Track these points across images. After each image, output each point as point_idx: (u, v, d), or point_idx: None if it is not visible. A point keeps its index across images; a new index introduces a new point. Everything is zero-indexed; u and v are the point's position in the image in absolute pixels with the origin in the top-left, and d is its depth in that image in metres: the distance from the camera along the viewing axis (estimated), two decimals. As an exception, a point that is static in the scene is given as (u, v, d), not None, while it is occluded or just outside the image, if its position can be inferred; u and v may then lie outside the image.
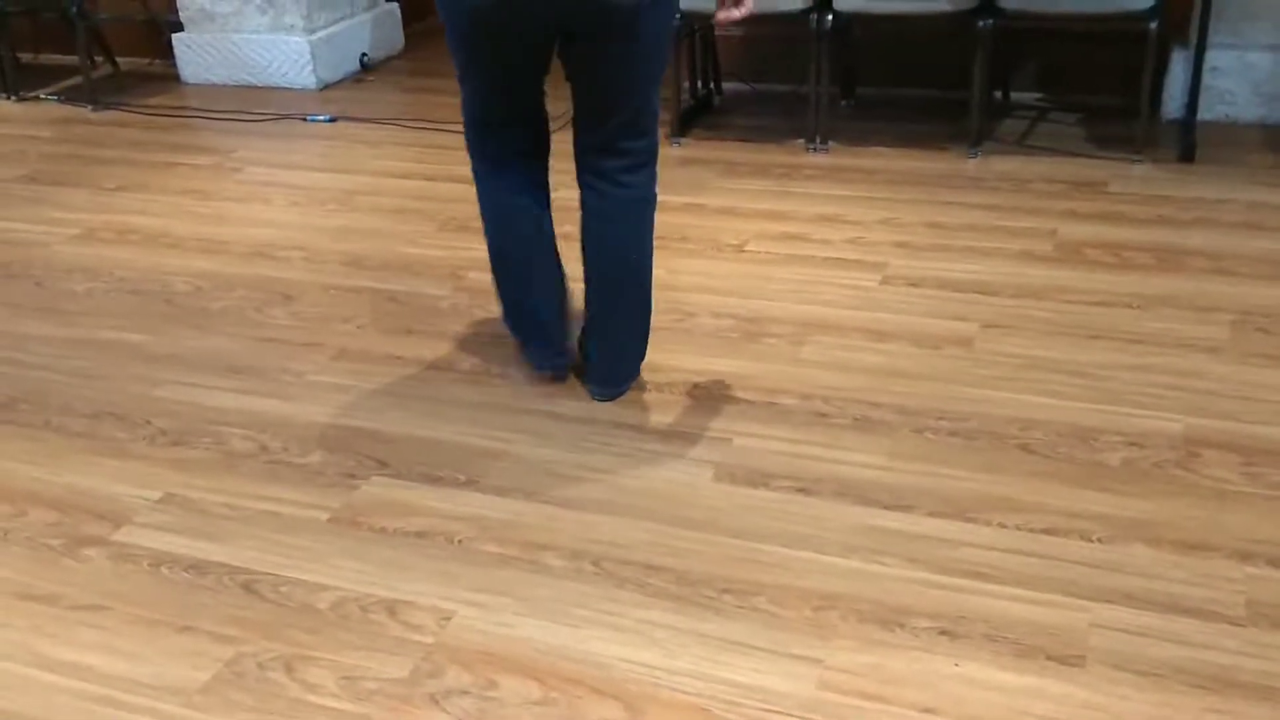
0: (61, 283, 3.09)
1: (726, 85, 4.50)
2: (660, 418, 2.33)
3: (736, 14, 2.12)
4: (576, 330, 2.48)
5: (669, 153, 3.86)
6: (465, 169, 3.83)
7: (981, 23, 3.56)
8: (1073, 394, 2.35)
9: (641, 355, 2.43)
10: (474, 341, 2.67)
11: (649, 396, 2.41)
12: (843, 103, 4.30)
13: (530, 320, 2.42)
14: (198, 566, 1.96)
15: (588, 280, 2.33)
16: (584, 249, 2.32)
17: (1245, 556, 1.88)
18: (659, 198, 2.32)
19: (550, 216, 2.37)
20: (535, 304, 2.39)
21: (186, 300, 2.95)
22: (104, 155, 4.11)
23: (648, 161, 2.25)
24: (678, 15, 2.18)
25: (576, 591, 1.87)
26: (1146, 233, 3.09)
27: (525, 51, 2.13)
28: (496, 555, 1.96)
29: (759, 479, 2.13)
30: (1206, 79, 3.82)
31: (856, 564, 1.90)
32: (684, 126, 4.05)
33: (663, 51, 2.16)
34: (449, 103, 4.54)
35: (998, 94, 4.22)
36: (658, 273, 2.94)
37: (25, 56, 5.29)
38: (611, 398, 2.40)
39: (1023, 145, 3.80)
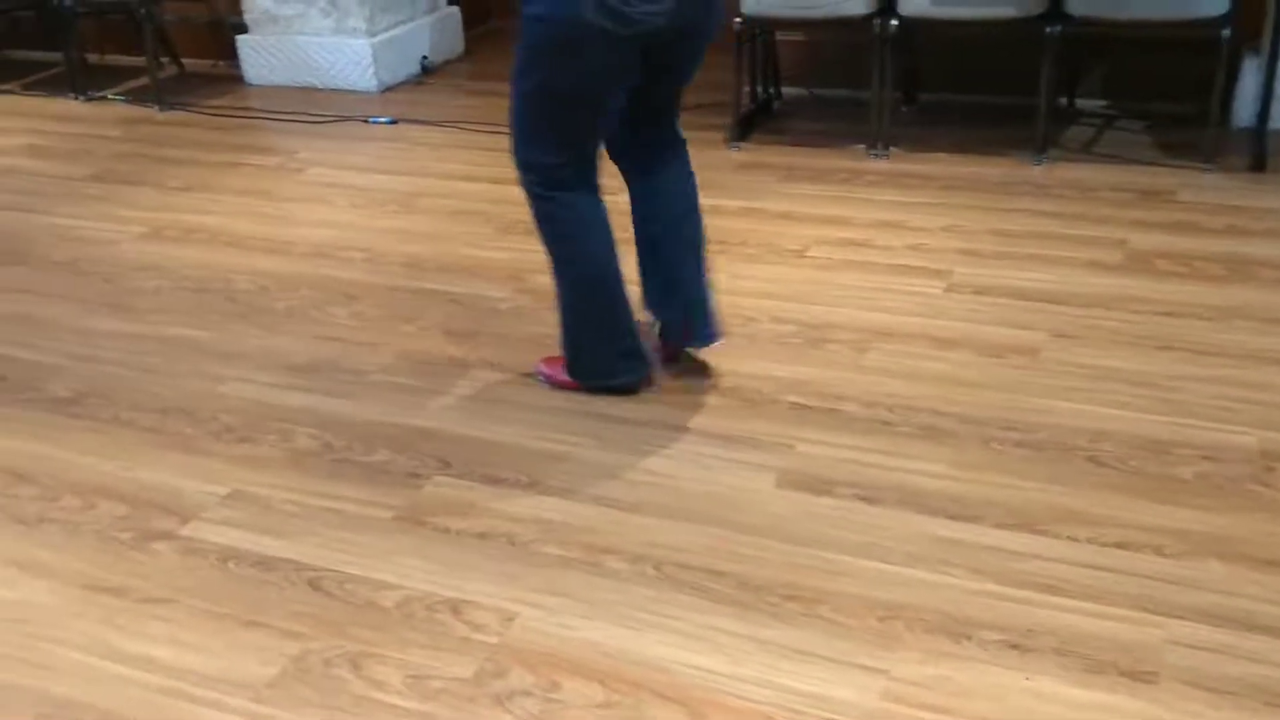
0: (129, 280, 3.14)
1: (786, 90, 4.48)
2: (722, 422, 2.32)
3: None
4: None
5: (728, 157, 3.85)
6: (525, 172, 3.83)
7: (1049, 29, 3.51)
8: (1143, 406, 2.31)
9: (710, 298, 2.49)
10: (535, 344, 2.68)
11: (711, 400, 2.40)
12: (903, 108, 4.26)
13: (628, 335, 2.39)
14: (264, 562, 1.98)
15: (655, 249, 2.42)
16: (648, 225, 2.42)
17: (1324, 575, 1.83)
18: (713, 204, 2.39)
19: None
20: (629, 315, 2.39)
21: (251, 299, 2.99)
22: (170, 155, 4.17)
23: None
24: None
25: (638, 595, 1.86)
26: (1217, 243, 3.03)
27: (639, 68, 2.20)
28: (558, 557, 1.96)
29: (822, 486, 2.11)
30: (1279, 87, 3.74)
31: (921, 574, 1.88)
32: (743, 131, 4.04)
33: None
34: (507, 106, 4.55)
35: (1063, 100, 4.16)
36: (716, 277, 2.94)
37: (92, 58, 5.39)
38: (707, 342, 2.47)
39: (1089, 153, 3.74)
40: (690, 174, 2.45)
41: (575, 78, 2.13)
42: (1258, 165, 3.52)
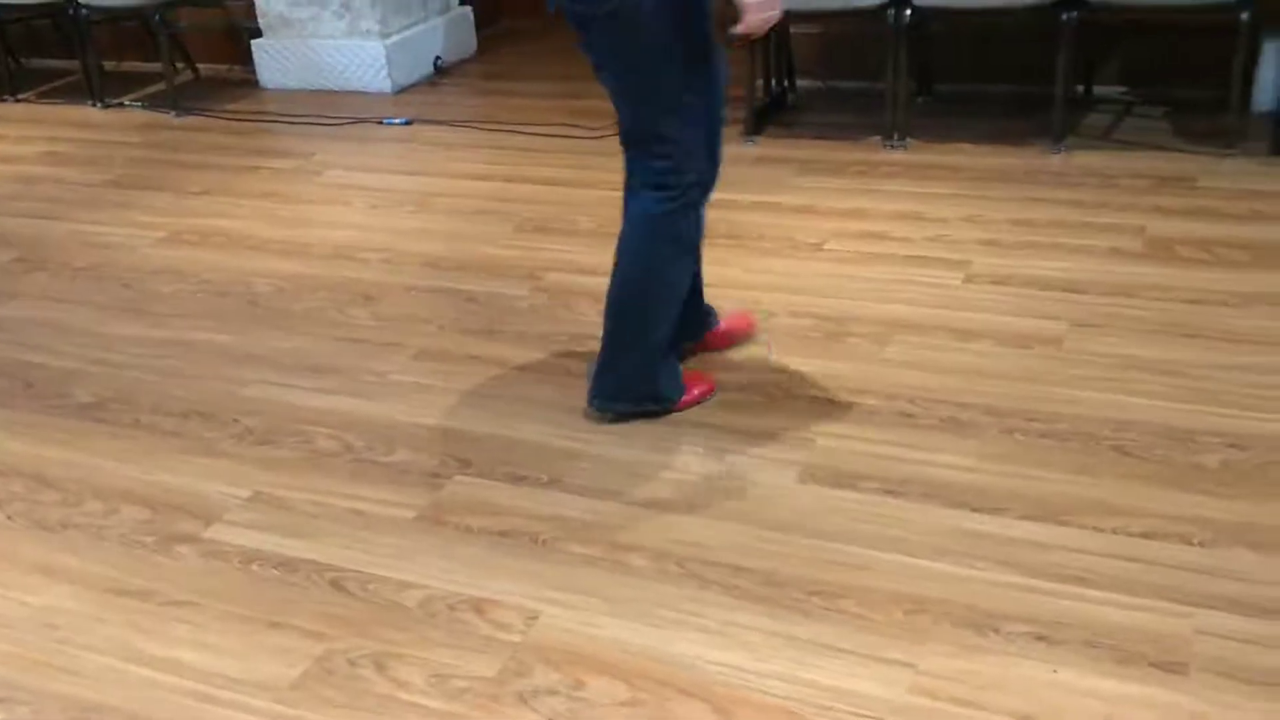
0: (149, 284, 3.15)
1: (801, 82, 4.46)
2: (742, 418, 2.31)
3: (740, 29, 2.02)
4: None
5: (744, 151, 3.83)
6: (540, 170, 3.86)
7: (1065, 15, 3.49)
8: (1168, 394, 2.28)
9: (640, 388, 2.30)
10: (553, 342, 2.67)
11: (731, 396, 2.39)
12: (919, 98, 4.24)
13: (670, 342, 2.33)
14: (287, 564, 1.98)
15: None
16: None
17: (1356, 562, 1.81)
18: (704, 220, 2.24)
19: None
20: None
21: (270, 301, 3.00)
22: (187, 160, 4.19)
23: (663, 184, 2.14)
24: (662, 37, 2.03)
25: (662, 592, 1.86)
26: (1239, 228, 3.00)
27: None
28: (581, 555, 1.96)
29: (845, 480, 2.10)
30: (1300, 70, 3.70)
31: (947, 567, 1.86)
32: (759, 125, 4.03)
33: (645, 72, 2.05)
34: (522, 105, 4.57)
35: (1080, 88, 4.12)
36: (732, 272, 2.93)
37: (109, 65, 5.41)
38: (599, 409, 2.31)
39: (1108, 140, 3.71)
40: (632, 246, 2.22)
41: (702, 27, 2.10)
42: (1278, 149, 3.48)
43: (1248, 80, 3.76)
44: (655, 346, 2.27)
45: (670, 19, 2.02)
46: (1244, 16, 3.33)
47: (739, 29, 2.02)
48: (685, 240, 2.22)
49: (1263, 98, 3.85)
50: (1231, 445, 2.12)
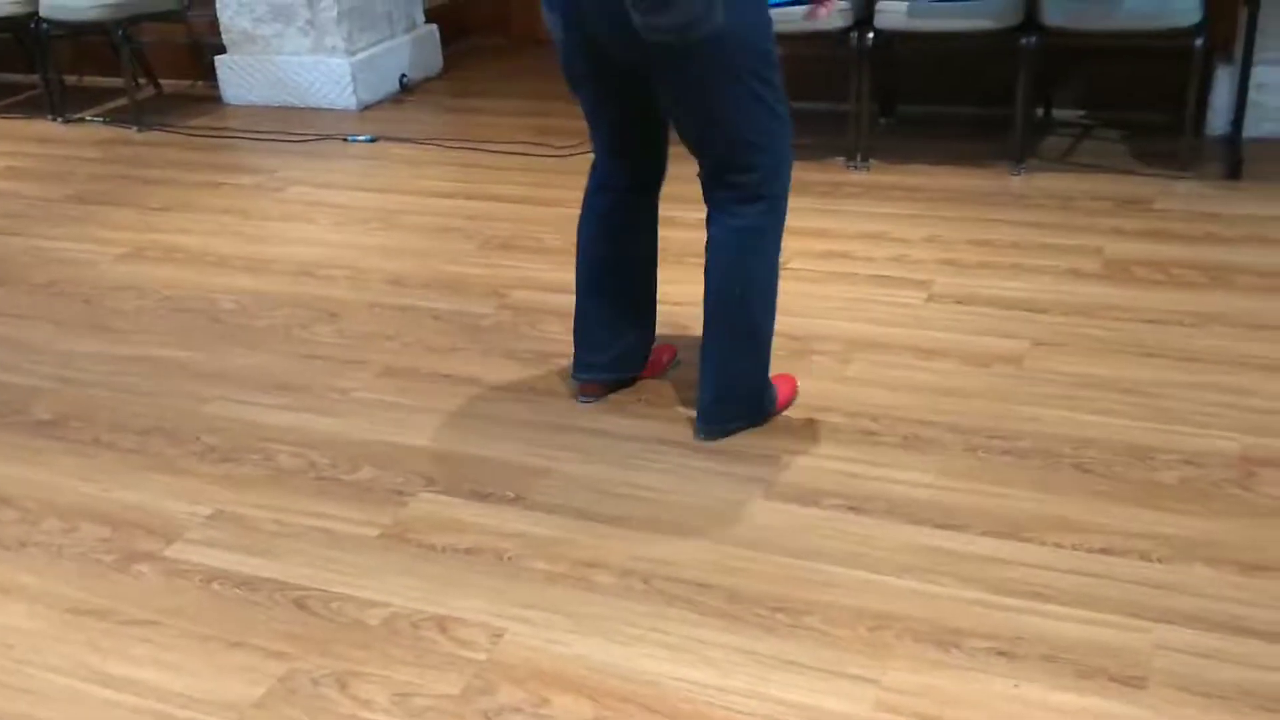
0: (109, 301, 3.12)
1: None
2: (707, 435, 2.32)
3: (823, 12, 2.14)
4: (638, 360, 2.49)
5: (709, 171, 3.85)
6: (506, 188, 3.87)
7: (1025, 39, 3.54)
8: (1126, 412, 2.32)
9: (750, 401, 2.31)
10: (518, 359, 2.67)
11: (694, 413, 2.39)
12: (882, 120, 4.29)
13: (578, 321, 2.43)
14: (249, 582, 1.96)
15: (704, 312, 2.28)
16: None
17: (1309, 577, 1.84)
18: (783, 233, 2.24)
19: (640, 237, 2.39)
20: (584, 306, 2.41)
21: (232, 318, 2.98)
22: (149, 175, 4.16)
23: (761, 195, 2.15)
24: (761, 45, 2.04)
25: (627, 609, 1.86)
26: (1195, 250, 3.06)
27: (605, 84, 2.18)
28: (545, 572, 1.95)
29: (809, 497, 2.11)
30: (1252, 95, 3.77)
31: (910, 583, 1.88)
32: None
33: (743, 87, 2.04)
34: (488, 122, 4.58)
35: (1040, 111, 4.19)
36: (696, 289, 2.93)
37: (70, 80, 5.36)
38: (709, 437, 2.29)
39: (1067, 162, 3.77)
40: (745, 265, 2.21)
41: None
42: (1233, 173, 3.55)
43: (1202, 105, 3.84)
44: (767, 360, 2.31)
45: (760, 23, 2.03)
46: (1197, 43, 3.41)
47: (824, 11, 2.16)
48: (779, 248, 2.23)
49: (1217, 122, 3.92)
50: (1188, 462, 2.15)
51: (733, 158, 2.13)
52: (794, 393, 2.42)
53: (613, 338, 2.42)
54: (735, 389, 2.29)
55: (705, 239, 2.24)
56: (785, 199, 2.21)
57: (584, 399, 2.45)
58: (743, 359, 2.27)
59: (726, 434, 2.30)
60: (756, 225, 2.18)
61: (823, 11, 2.13)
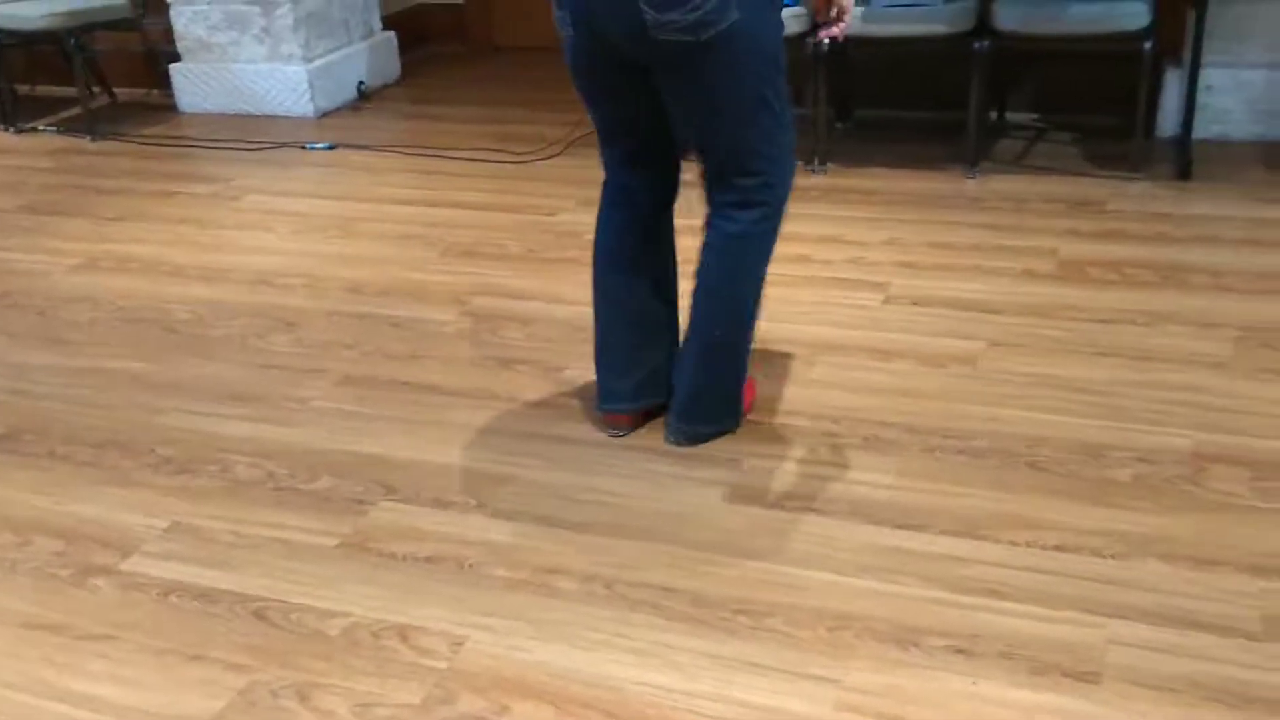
0: (63, 312, 3.08)
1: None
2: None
3: (836, 30, 2.11)
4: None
5: (668, 176, 3.87)
6: (466, 194, 3.86)
7: (978, 44, 3.59)
8: (1080, 411, 2.35)
9: (725, 405, 2.30)
10: (480, 366, 2.67)
11: (657, 419, 2.40)
12: (839, 124, 4.32)
13: (599, 348, 2.35)
14: (207, 595, 1.95)
15: (689, 312, 2.27)
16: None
17: (1258, 571, 1.87)
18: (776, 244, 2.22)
19: (659, 254, 2.33)
20: (605, 331, 2.34)
21: (188, 328, 2.95)
22: (103, 185, 4.11)
23: (759, 202, 2.15)
24: (772, 49, 2.02)
25: (589, 615, 1.86)
26: (1147, 250, 3.11)
27: (613, 84, 2.12)
28: (507, 579, 1.95)
29: (771, 500, 2.12)
30: (1201, 97, 3.84)
31: (870, 583, 1.89)
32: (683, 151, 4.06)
33: (751, 89, 2.02)
34: (448, 129, 4.56)
35: (994, 115, 4.24)
36: (661, 295, 2.95)
37: (22, 89, 5.30)
38: (681, 440, 2.28)
39: (1021, 165, 3.82)
40: (735, 272, 2.21)
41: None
42: (1183, 174, 3.61)
43: (1152, 107, 3.90)
44: (746, 367, 2.31)
45: (772, 27, 2.02)
46: (1147, 46, 3.46)
47: (835, 30, 2.10)
48: (770, 256, 2.22)
49: (1167, 124, 3.99)
50: (1141, 460, 2.18)
51: (735, 162, 2.11)
52: (754, 396, 2.43)
53: (637, 362, 2.32)
54: (712, 392, 2.29)
55: (701, 243, 2.22)
56: (784, 207, 2.19)
57: (614, 432, 2.34)
58: (723, 363, 2.27)
59: (698, 440, 2.29)
60: (751, 231, 2.17)
61: (835, 31, 2.10)
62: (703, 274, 2.22)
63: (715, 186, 2.18)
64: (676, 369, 2.30)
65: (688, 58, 1.97)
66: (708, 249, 2.21)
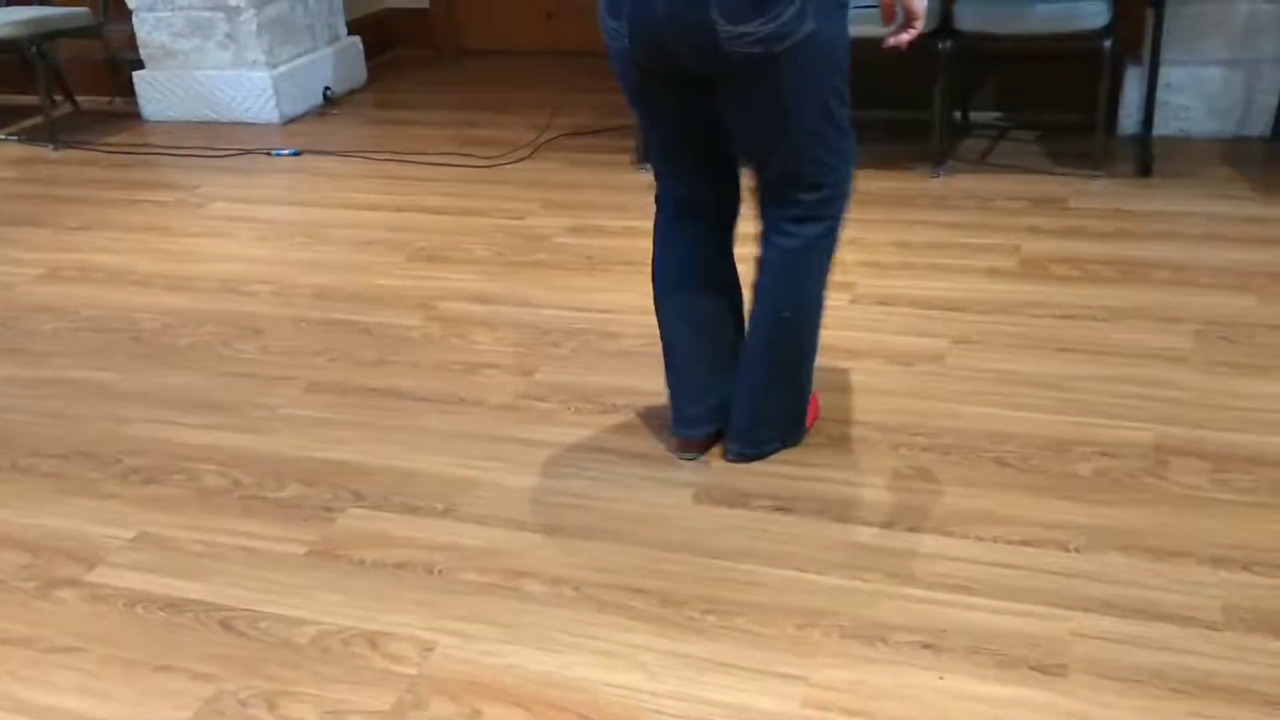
0: (27, 323, 3.06)
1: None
2: (637, 441, 2.34)
3: (906, 37, 1.99)
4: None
5: (636, 179, 3.88)
6: (433, 199, 3.86)
7: (941, 44, 3.62)
8: (1044, 406, 2.37)
9: (788, 424, 2.25)
10: (447, 371, 2.67)
11: (625, 420, 2.41)
12: (806, 126, 4.33)
13: (672, 372, 2.27)
14: (174, 605, 1.94)
15: (748, 331, 2.19)
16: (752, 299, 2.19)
17: (1219, 561, 1.90)
18: (834, 251, 2.15)
19: (726, 268, 2.24)
20: (676, 353, 2.26)
21: (154, 337, 2.93)
22: (66, 194, 4.08)
23: (821, 215, 2.08)
24: (840, 57, 1.95)
25: (559, 617, 1.86)
26: (1108, 246, 3.14)
27: (670, 96, 2.02)
28: (477, 584, 1.95)
29: (738, 499, 2.13)
30: (1161, 95, 3.90)
31: (837, 580, 1.91)
32: (647, 153, 4.07)
33: (819, 100, 1.95)
34: (414, 134, 4.56)
35: (958, 114, 4.27)
36: (630, 298, 2.96)
37: (-17, 97, 5.25)
38: (742, 458, 2.22)
39: (984, 164, 3.85)
40: (798, 287, 2.12)
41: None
42: (1144, 170, 3.65)
43: (1113, 105, 3.95)
44: (810, 384, 2.24)
45: (843, 34, 1.94)
46: (1107, 45, 3.50)
47: (905, 36, 1.98)
48: (830, 271, 2.15)
49: (1127, 121, 4.04)
50: (1104, 454, 2.21)
51: (799, 175, 2.03)
52: (818, 410, 2.37)
53: (713, 385, 2.23)
54: (775, 413, 2.22)
55: (757, 259, 2.15)
56: (842, 222, 2.13)
57: (685, 456, 2.25)
58: (787, 384, 2.20)
59: (760, 456, 2.23)
60: (812, 246, 2.09)
61: (904, 38, 1.97)
62: (762, 295, 2.14)
63: (773, 201, 2.09)
64: (739, 389, 2.21)
65: (758, 70, 1.88)
66: (766, 266, 2.13)
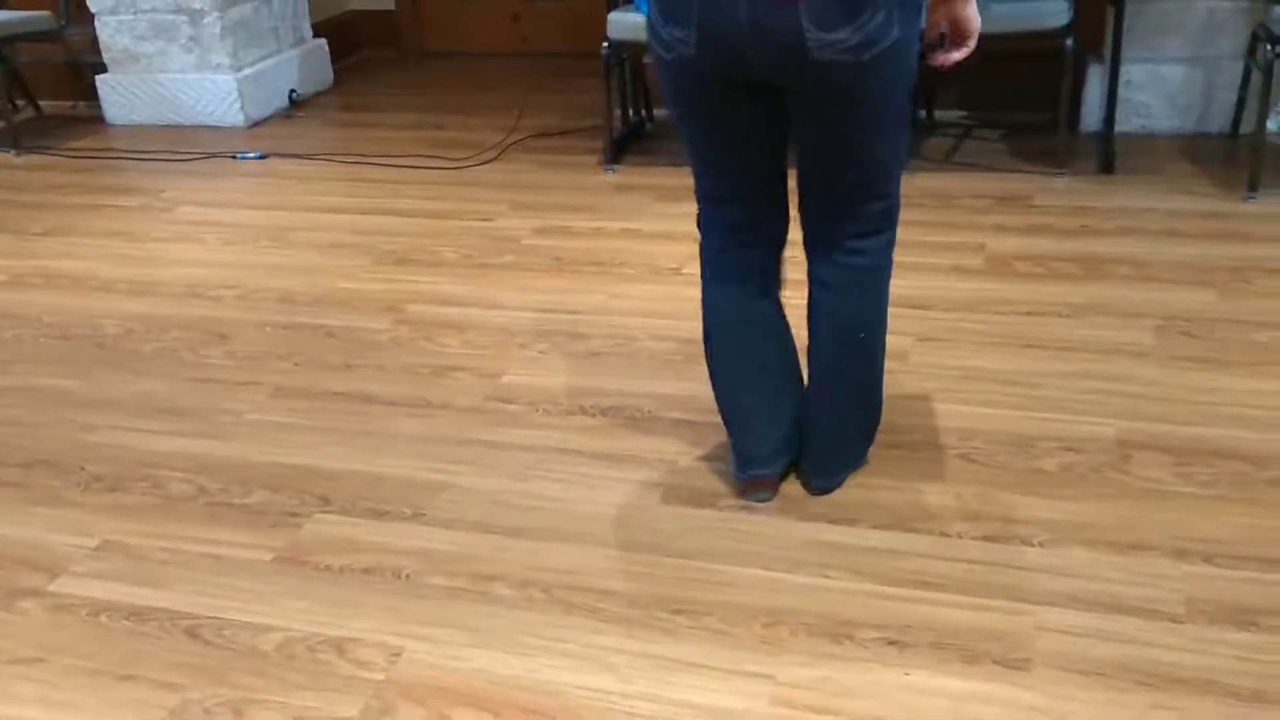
0: (-12, 330, 3.02)
1: (658, 112, 4.54)
2: (605, 442, 2.34)
3: (956, 55, 1.91)
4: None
5: (604, 180, 3.88)
6: (401, 201, 3.85)
7: (904, 43, 3.63)
8: (1009, 403, 2.39)
9: (864, 445, 2.19)
10: (414, 374, 2.66)
11: (593, 421, 2.41)
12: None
13: (730, 410, 2.17)
14: (138, 614, 1.92)
15: (810, 358, 2.10)
16: (809, 325, 2.08)
17: (1181, 554, 1.92)
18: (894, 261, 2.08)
19: (777, 295, 2.15)
20: (735, 391, 2.16)
21: (118, 343, 2.91)
22: (29, 200, 4.04)
23: (884, 227, 2.01)
24: (914, 63, 1.86)
25: (527, 620, 1.86)
26: (1072, 243, 3.17)
27: (734, 110, 1.91)
28: (445, 588, 1.95)
29: (704, 499, 2.14)
30: (1122, 92, 3.94)
31: (803, 579, 1.92)
32: (617, 154, 4.08)
33: (898, 106, 1.87)
34: (381, 136, 4.54)
35: (922, 113, 4.30)
36: (597, 298, 2.96)
37: (-57, 102, 5.18)
38: (826, 490, 2.14)
39: (949, 163, 3.88)
40: (873, 307, 2.05)
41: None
42: (1106, 167, 3.69)
43: (1075, 103, 3.98)
44: (882, 402, 2.17)
45: (915, 43, 1.86)
46: (1068, 43, 3.53)
47: (956, 55, 1.91)
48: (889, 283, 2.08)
49: (1089, 119, 4.07)
50: (1068, 449, 2.23)
51: (869, 185, 1.95)
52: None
53: (777, 420, 2.13)
54: (853, 439, 2.16)
55: (809, 283, 2.07)
56: (896, 227, 2.06)
57: (760, 498, 2.13)
58: (863, 407, 2.13)
59: (837, 486, 2.15)
60: (877, 263, 2.02)
61: (955, 57, 1.90)
62: (828, 318, 2.05)
63: (836, 218, 2.00)
64: (815, 417, 2.12)
65: (843, 79, 1.78)
66: (830, 290, 2.04)
